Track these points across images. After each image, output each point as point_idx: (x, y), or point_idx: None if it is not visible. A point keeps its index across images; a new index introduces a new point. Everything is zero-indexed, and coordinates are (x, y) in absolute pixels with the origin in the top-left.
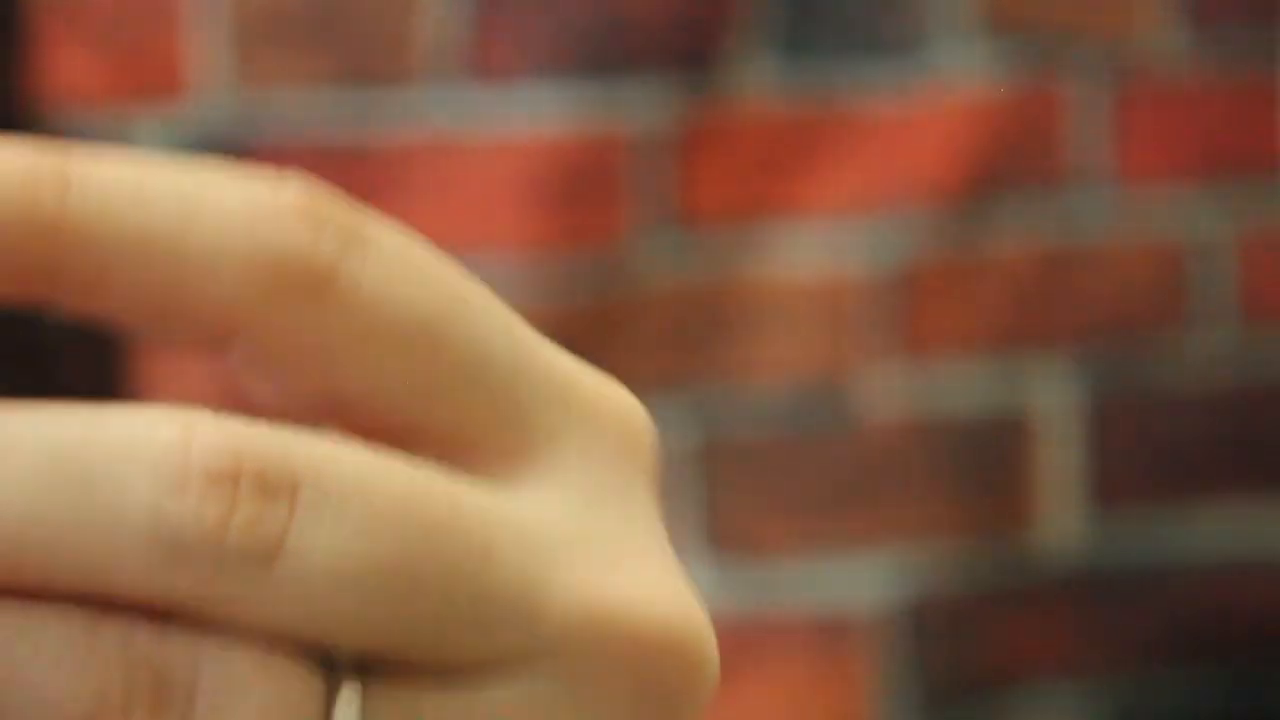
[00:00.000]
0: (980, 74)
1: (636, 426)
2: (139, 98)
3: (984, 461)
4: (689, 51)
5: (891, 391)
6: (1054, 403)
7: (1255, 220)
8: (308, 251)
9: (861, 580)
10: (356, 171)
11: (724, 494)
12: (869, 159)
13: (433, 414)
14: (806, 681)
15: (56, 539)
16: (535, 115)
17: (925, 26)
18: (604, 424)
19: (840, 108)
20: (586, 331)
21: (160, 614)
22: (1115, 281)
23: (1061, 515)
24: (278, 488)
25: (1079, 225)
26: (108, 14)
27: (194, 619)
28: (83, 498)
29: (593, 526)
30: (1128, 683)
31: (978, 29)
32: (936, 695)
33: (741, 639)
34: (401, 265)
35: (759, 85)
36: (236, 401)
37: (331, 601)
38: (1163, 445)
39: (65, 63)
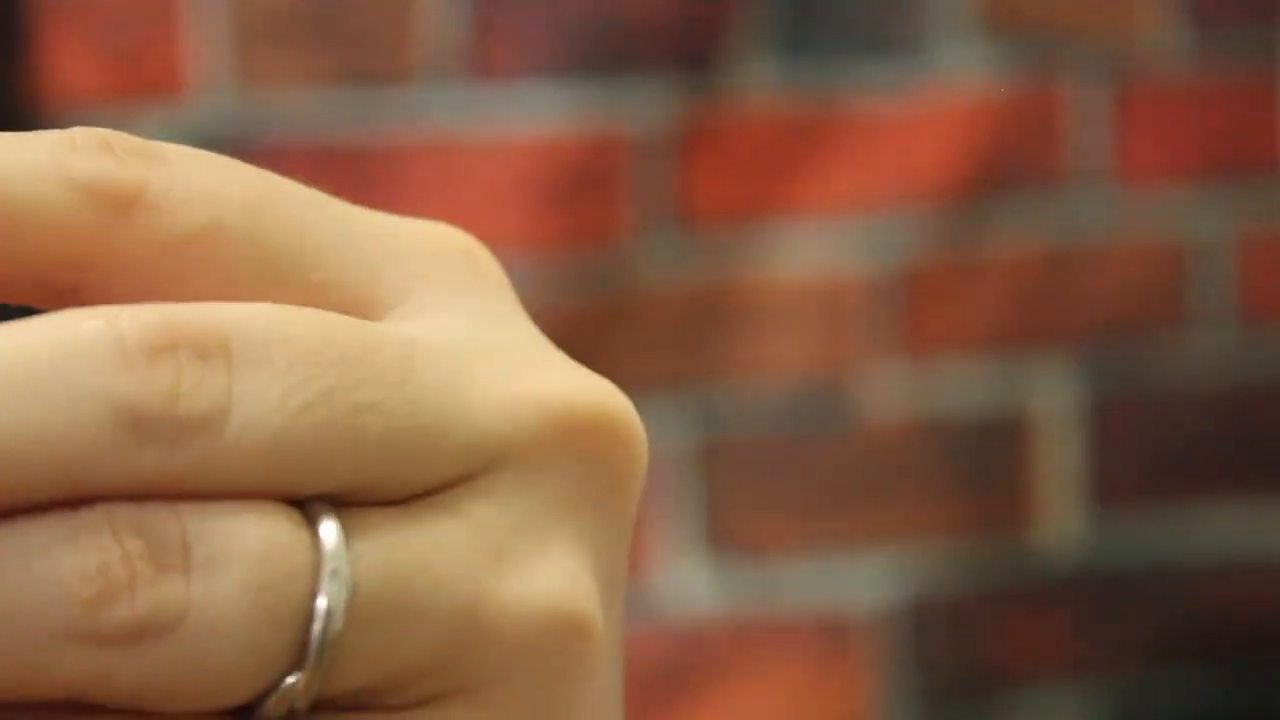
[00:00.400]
0: (980, 74)
1: (475, 250)
2: (138, 97)
3: (984, 461)
4: (689, 51)
5: (891, 391)
6: (1054, 403)
7: (1255, 220)
8: (115, 173)
9: (861, 580)
10: (356, 171)
11: (723, 494)
12: (869, 159)
13: (279, 296)
14: (806, 681)
15: (23, 451)
16: (535, 115)
17: (925, 26)
18: (447, 259)
19: (840, 108)
20: (586, 331)
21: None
22: (1115, 281)
23: (1061, 515)
24: (211, 349)
25: (1079, 225)
26: (107, 14)
27: (162, 492)
28: (37, 404)
29: (489, 339)
30: (1128, 683)
31: (978, 29)
32: (936, 695)
33: (741, 639)
34: (205, 167)
35: (759, 85)
36: None
37: (284, 449)
38: (1163, 445)
39: (65, 62)
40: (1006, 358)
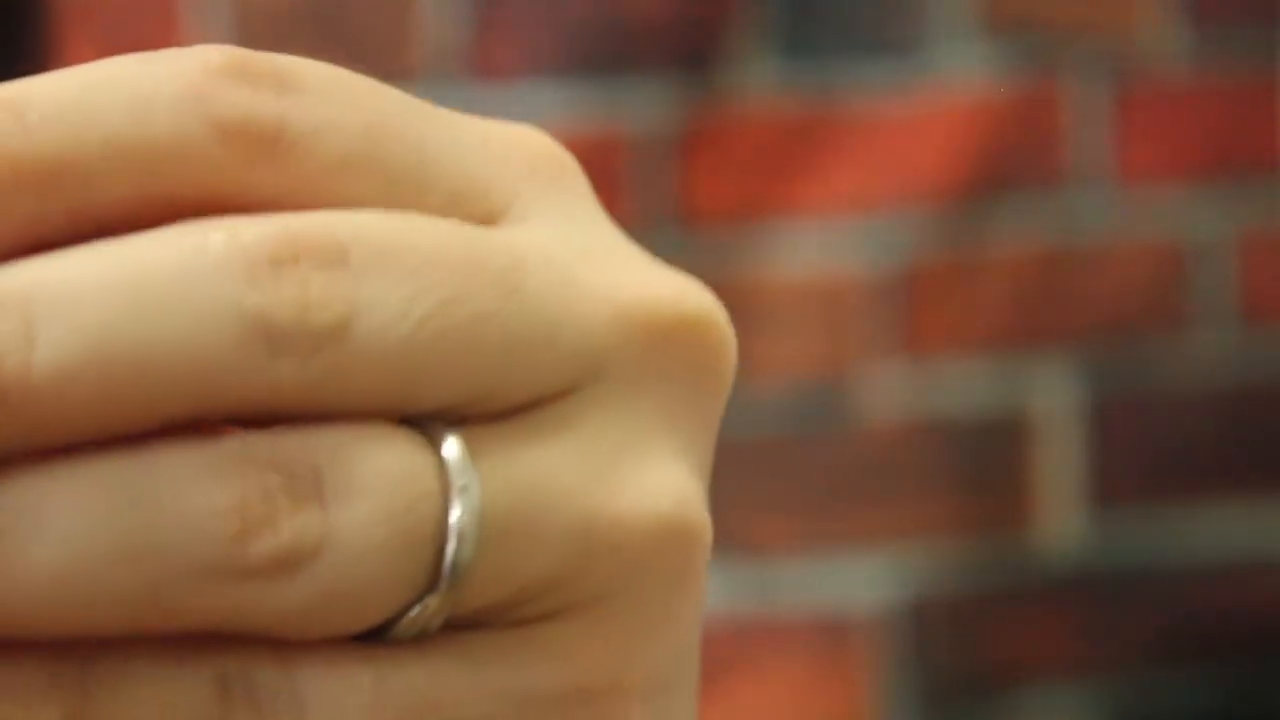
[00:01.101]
0: (980, 74)
1: (562, 153)
2: None
3: (984, 461)
4: (689, 51)
5: (891, 391)
6: (1054, 403)
7: (1255, 220)
8: (254, 112)
9: (861, 580)
10: None
11: (723, 494)
12: (869, 159)
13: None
14: (806, 681)
15: (158, 367)
16: (535, 115)
17: (925, 26)
18: (542, 162)
19: (840, 108)
20: None
21: (260, 421)
22: (1115, 281)
23: (1061, 515)
24: (333, 258)
25: (1079, 225)
26: (109, 14)
27: (292, 414)
28: (170, 318)
29: (586, 243)
30: (1128, 683)
31: (978, 29)
32: (936, 695)
33: (741, 639)
34: (331, 91)
35: (759, 85)
36: None
37: (408, 358)
38: (1163, 445)
39: (66, 62)
40: (1006, 358)
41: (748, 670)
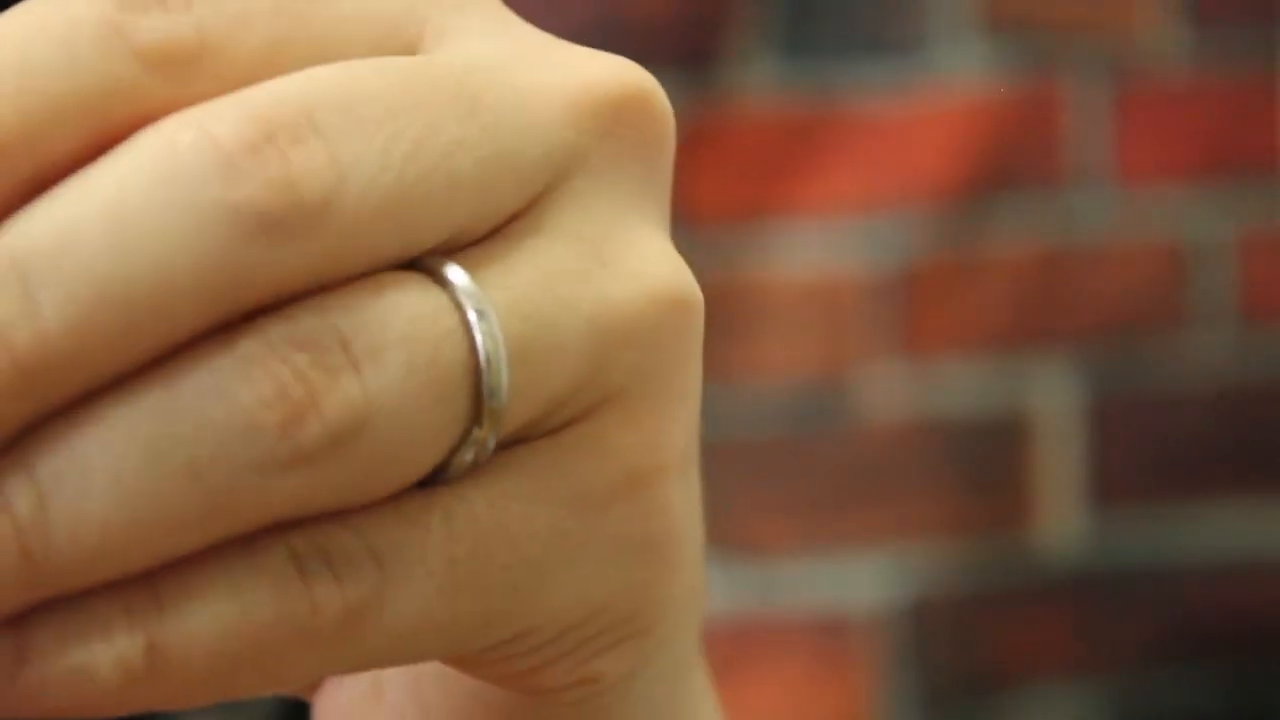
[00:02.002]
0: (980, 74)
1: None
2: None
3: (984, 461)
4: (689, 51)
5: (891, 391)
6: (1054, 403)
7: (1255, 220)
8: (172, 32)
9: (861, 580)
10: None
11: (723, 494)
12: (869, 159)
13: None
14: (806, 681)
15: (165, 287)
16: None
17: (925, 26)
18: None
19: (840, 108)
20: None
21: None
22: (1115, 281)
23: (1061, 515)
24: (304, 128)
25: (1079, 225)
26: None
27: (306, 289)
28: (164, 236)
29: (511, 45)
30: (1128, 683)
31: (978, 29)
32: (936, 695)
33: (741, 639)
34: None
35: (759, 85)
36: None
37: (402, 204)
38: (1163, 445)
39: None
40: (1006, 358)
41: (748, 670)
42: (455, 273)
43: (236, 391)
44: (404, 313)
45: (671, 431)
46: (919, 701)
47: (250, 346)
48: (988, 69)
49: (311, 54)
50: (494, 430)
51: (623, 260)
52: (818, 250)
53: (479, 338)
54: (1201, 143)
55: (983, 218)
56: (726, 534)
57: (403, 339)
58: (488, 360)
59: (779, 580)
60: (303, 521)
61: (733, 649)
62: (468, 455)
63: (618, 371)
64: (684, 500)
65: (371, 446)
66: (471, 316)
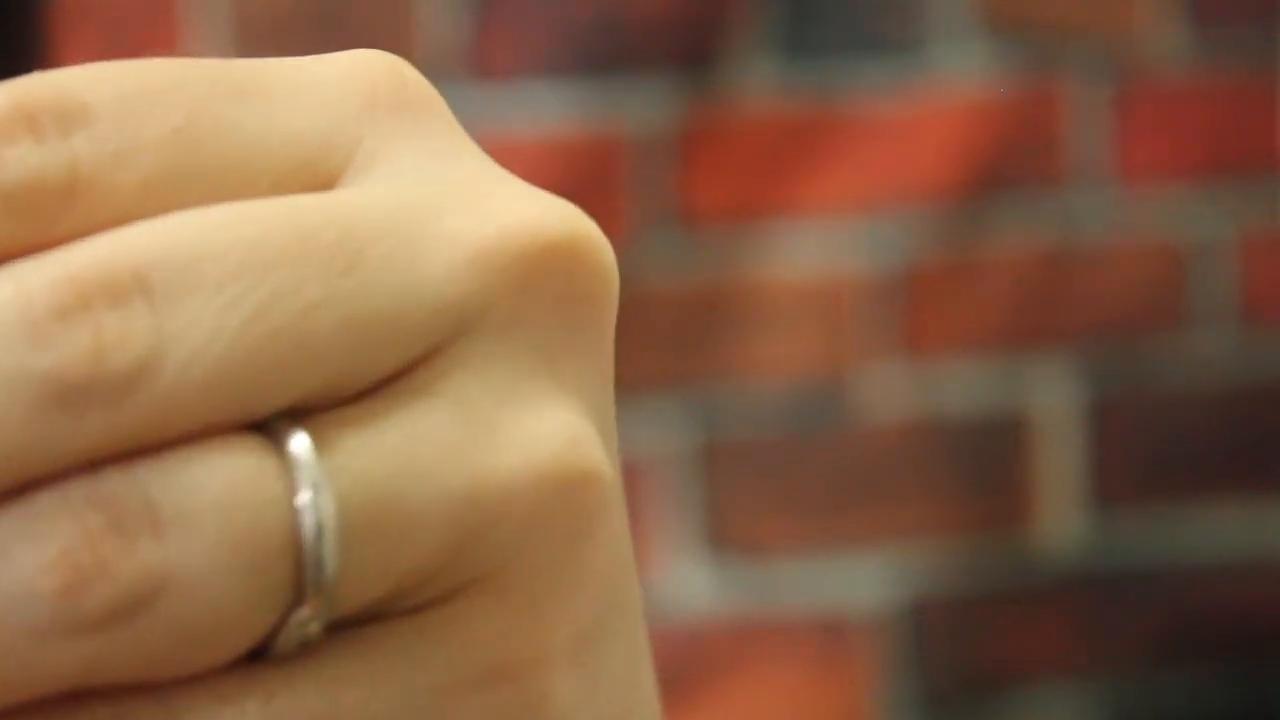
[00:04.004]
0: (980, 74)
1: (406, 76)
2: None
3: (984, 461)
4: (689, 51)
5: (891, 391)
6: (1054, 403)
7: (1255, 220)
8: (41, 167)
9: (861, 580)
10: None
11: (724, 494)
12: (869, 159)
13: (234, 200)
14: (806, 681)
15: None
16: (535, 115)
17: (925, 26)
18: (383, 96)
19: (840, 108)
20: None
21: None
22: (1115, 281)
23: (1061, 515)
24: (128, 290)
25: (1079, 225)
26: (108, 14)
27: (116, 455)
28: None
29: (438, 178)
30: (1128, 683)
31: (978, 29)
32: (936, 695)
33: (741, 639)
34: (126, 105)
35: (759, 85)
36: None
37: (232, 375)
38: (1163, 445)
39: (65, 63)
40: (1006, 358)
41: (748, 670)
42: (297, 439)
43: (19, 551)
44: (223, 478)
45: (556, 620)
46: (919, 701)
47: (45, 504)
48: (988, 69)
49: (204, 190)
50: (321, 610)
51: (515, 431)
52: (818, 250)
53: (305, 511)
54: (1202, 143)
55: (983, 218)
56: (726, 534)
57: (216, 506)
58: (314, 536)
59: (779, 580)
60: (111, 692)
61: (733, 649)
62: (293, 634)
63: (488, 552)
64: (575, 692)
65: (169, 619)
66: (300, 488)
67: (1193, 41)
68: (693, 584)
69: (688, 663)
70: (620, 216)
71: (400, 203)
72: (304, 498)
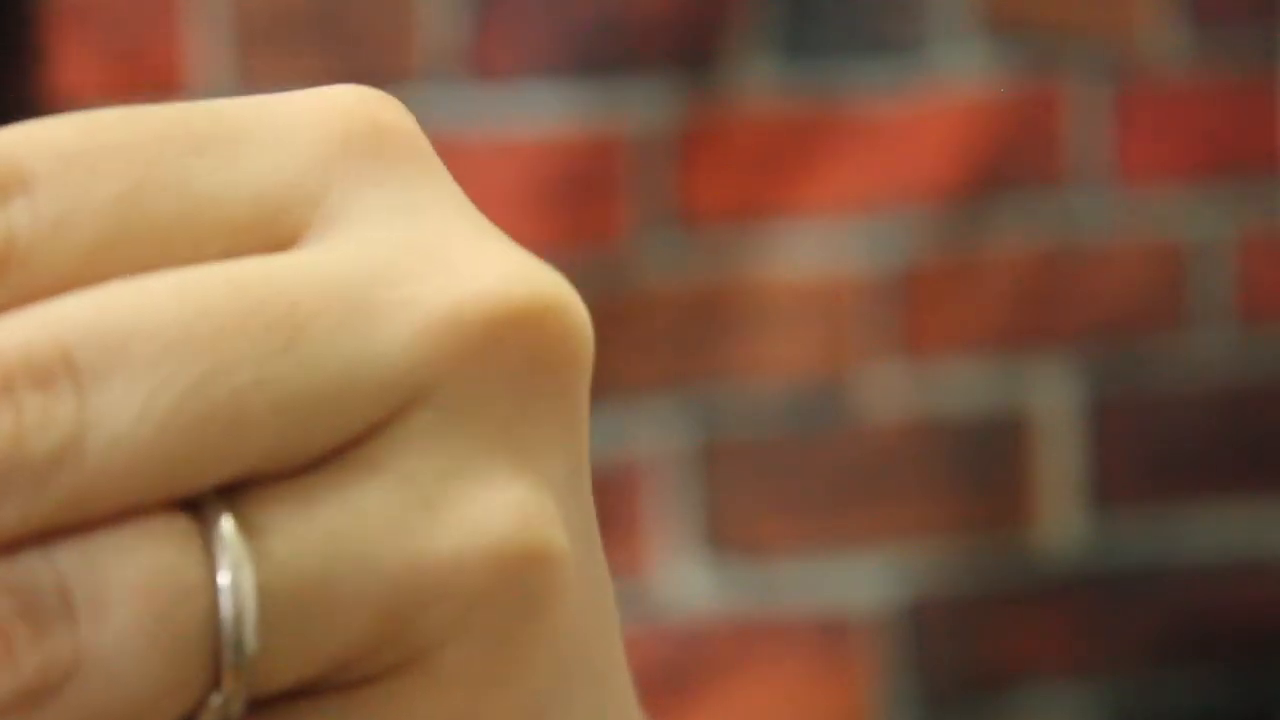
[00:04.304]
0: (980, 74)
1: (383, 118)
2: (139, 97)
3: (984, 461)
4: (689, 51)
5: (891, 391)
6: (1054, 403)
7: (1255, 220)
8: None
9: (861, 580)
10: None
11: (724, 494)
12: (869, 159)
13: (191, 262)
14: (806, 681)
15: None
16: (535, 115)
17: (925, 26)
18: (356, 141)
19: (840, 108)
20: None
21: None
22: (1115, 281)
23: (1061, 515)
24: (52, 372)
25: (1079, 225)
26: (109, 14)
27: (34, 538)
28: None
29: (406, 234)
30: (1128, 683)
31: (978, 29)
32: (936, 695)
33: (741, 639)
34: (71, 165)
35: (759, 85)
36: None
37: (158, 458)
38: (1163, 445)
39: (67, 62)
40: (1006, 358)
41: (747, 670)
42: (223, 526)
43: None
44: (140, 562)
45: (497, 699)
46: (919, 701)
47: None
48: (988, 69)
49: (152, 255)
50: (238, 695)
51: (458, 508)
52: (818, 250)
53: (224, 595)
54: (1201, 143)
55: (983, 218)
56: (726, 534)
57: (133, 591)
58: (233, 620)
59: (779, 580)
60: None
61: (733, 649)
62: (212, 715)
63: (429, 631)
64: None
65: (79, 706)
66: (221, 573)
67: (1193, 41)
68: (692, 584)
69: (687, 663)
70: (620, 216)
71: (355, 269)
72: (224, 581)
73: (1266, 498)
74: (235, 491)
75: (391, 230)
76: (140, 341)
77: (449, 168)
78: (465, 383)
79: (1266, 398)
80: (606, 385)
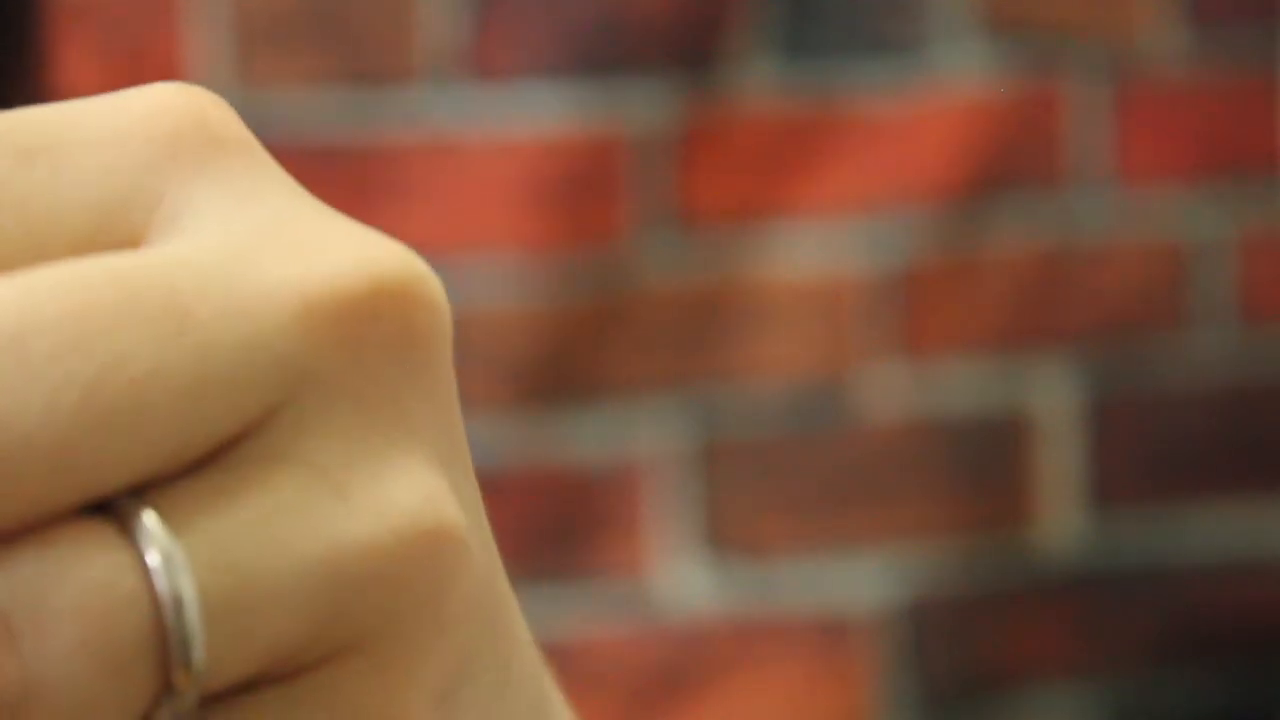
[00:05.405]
0: (980, 74)
1: (209, 114)
2: None
3: (984, 461)
4: (689, 51)
5: (891, 391)
6: (1054, 403)
7: (1255, 220)
8: None
9: (861, 580)
10: (356, 171)
11: (723, 494)
12: (869, 159)
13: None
14: (806, 681)
15: None
16: (535, 115)
17: (925, 26)
18: (186, 139)
19: (840, 108)
20: (586, 331)
21: None
22: (1115, 281)
23: (1061, 515)
24: None
25: (1079, 225)
26: (109, 14)
27: None
28: None
29: (253, 225)
30: (1128, 683)
31: (978, 29)
32: (936, 695)
33: (741, 639)
34: None
35: (759, 85)
36: None
37: (70, 456)
38: (1163, 445)
39: (66, 62)
40: (1006, 358)
41: (748, 670)
42: (147, 521)
43: None
44: (76, 577)
45: (421, 676)
46: (919, 701)
47: None
48: (988, 69)
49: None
50: (190, 694)
51: (364, 492)
52: (818, 250)
53: (164, 600)
54: (1201, 143)
55: (983, 218)
56: (726, 534)
57: (73, 609)
58: (176, 629)
59: (779, 580)
60: None
61: (733, 649)
62: (164, 718)
63: (360, 614)
64: None
65: None
66: (158, 581)
67: (1193, 41)
68: (692, 584)
69: (687, 663)
70: (620, 216)
71: (219, 255)
72: (162, 586)
73: (1266, 498)
74: (146, 495)
75: (239, 219)
76: (35, 338)
77: (449, 168)
78: (348, 359)
79: (1266, 398)
80: (606, 385)
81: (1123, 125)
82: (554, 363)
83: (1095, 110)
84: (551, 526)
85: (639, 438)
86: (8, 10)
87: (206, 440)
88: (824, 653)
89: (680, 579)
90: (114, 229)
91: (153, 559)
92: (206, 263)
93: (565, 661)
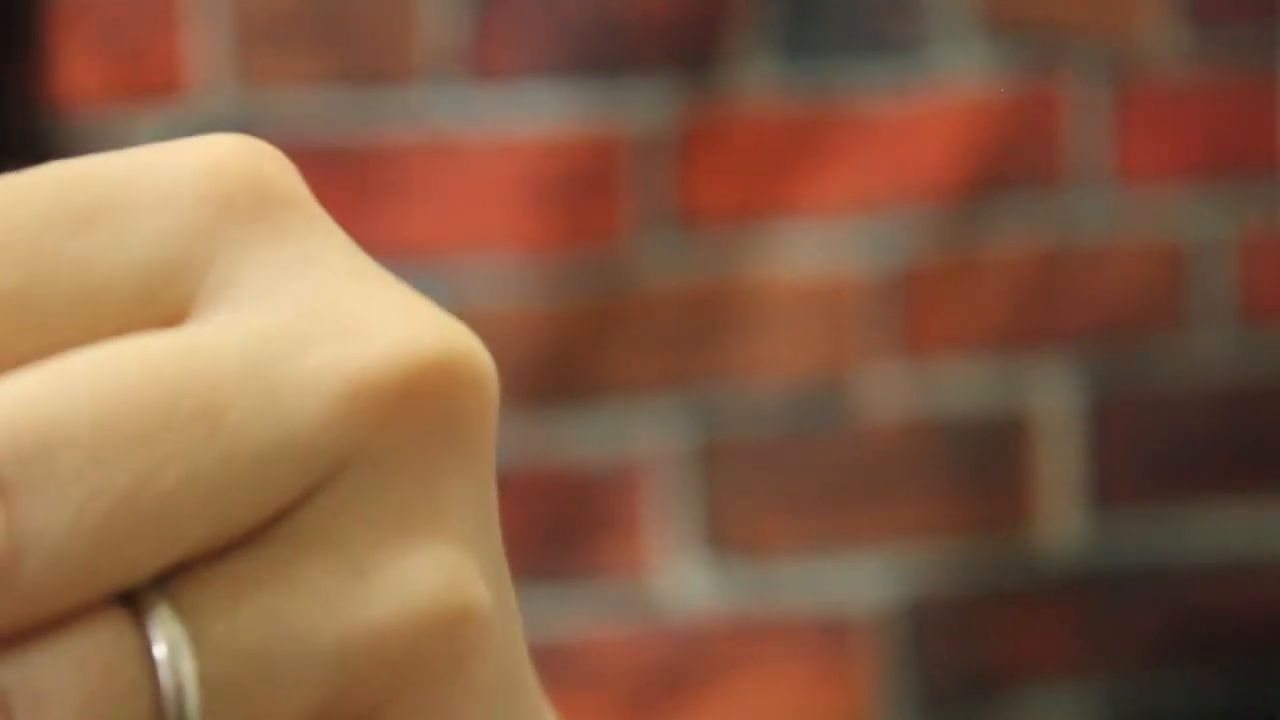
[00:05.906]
0: (980, 74)
1: (264, 173)
2: (139, 98)
3: (984, 461)
4: (689, 51)
5: (891, 391)
6: (1054, 403)
7: (1255, 220)
8: None
9: (861, 580)
10: (357, 171)
11: (723, 494)
12: (869, 159)
13: (88, 344)
14: (806, 681)
15: None
16: (535, 115)
17: (925, 26)
18: (238, 202)
19: (840, 108)
20: (586, 331)
21: None
22: (1115, 281)
23: (1061, 515)
24: None
25: (1079, 225)
26: (109, 15)
27: None
28: None
29: (301, 299)
30: (1128, 683)
31: (978, 29)
32: (936, 695)
33: (741, 639)
34: None
35: (759, 85)
36: None
37: (96, 563)
38: (1163, 445)
39: (67, 63)
40: (1006, 358)
41: (748, 670)
42: (160, 619)
43: None
44: (79, 666)
45: None
46: (919, 701)
47: None
48: (988, 69)
49: (47, 341)
50: None
51: (390, 573)
52: (818, 250)
53: (167, 695)
54: (1201, 143)
55: (983, 218)
56: (726, 534)
57: (73, 693)
58: (176, 711)
59: (779, 580)
60: None
61: (733, 649)
62: None
63: (370, 693)
64: None
65: None
66: (162, 671)
67: (1193, 41)
68: (692, 584)
69: (687, 663)
70: (620, 216)
71: (261, 342)
72: (165, 675)
73: (1266, 498)
74: (169, 577)
75: (285, 293)
76: (67, 449)
77: (449, 168)
78: (385, 444)
79: (1266, 398)
80: (606, 385)
81: (1123, 125)
82: (554, 363)
83: (1095, 110)
84: (551, 526)
85: (639, 438)
86: (8, 10)
87: (235, 531)
88: (824, 653)
89: (680, 579)
90: (163, 295)
91: (159, 649)
92: (246, 351)
93: (565, 661)
